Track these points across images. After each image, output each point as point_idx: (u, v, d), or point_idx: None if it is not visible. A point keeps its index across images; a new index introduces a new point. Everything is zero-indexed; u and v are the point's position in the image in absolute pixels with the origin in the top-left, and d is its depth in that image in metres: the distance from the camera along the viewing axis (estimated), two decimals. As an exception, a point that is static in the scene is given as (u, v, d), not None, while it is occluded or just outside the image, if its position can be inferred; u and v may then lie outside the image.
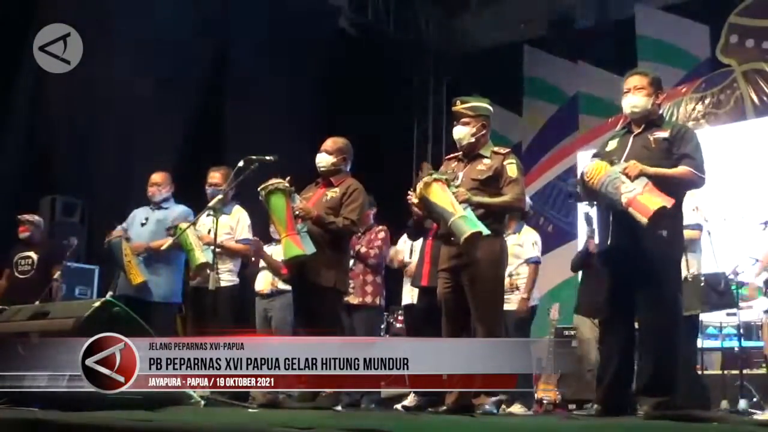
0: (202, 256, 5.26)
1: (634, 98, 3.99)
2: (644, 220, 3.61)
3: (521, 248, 5.84)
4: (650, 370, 3.81)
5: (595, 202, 4.12)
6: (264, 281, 6.21)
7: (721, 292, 5.28)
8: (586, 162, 4.16)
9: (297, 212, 4.51)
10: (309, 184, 4.90)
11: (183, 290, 5.71)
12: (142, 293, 5.48)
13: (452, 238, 4.08)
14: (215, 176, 5.60)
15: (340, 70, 9.26)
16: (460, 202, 4.05)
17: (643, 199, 3.63)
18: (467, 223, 3.97)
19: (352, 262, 5.68)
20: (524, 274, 5.80)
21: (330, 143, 4.82)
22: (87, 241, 7.58)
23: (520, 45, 10.05)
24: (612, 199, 3.74)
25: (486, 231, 4.00)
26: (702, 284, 5.10)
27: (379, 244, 6.01)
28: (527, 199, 5.87)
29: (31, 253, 6.63)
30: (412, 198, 4.24)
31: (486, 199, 4.21)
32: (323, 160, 4.78)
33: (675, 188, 3.83)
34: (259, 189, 4.58)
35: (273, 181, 4.53)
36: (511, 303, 5.62)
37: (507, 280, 5.47)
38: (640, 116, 4.00)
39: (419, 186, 4.11)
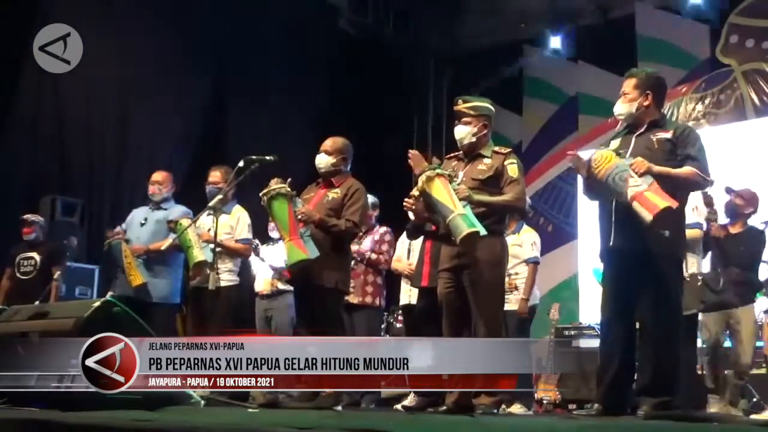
0: (200, 254, 5.25)
1: (619, 105, 4.04)
2: (649, 217, 3.60)
3: (520, 248, 5.84)
4: (650, 370, 3.81)
5: (597, 200, 4.11)
6: (264, 282, 6.20)
7: (719, 292, 5.28)
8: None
9: (299, 216, 4.50)
10: (310, 184, 4.90)
11: (183, 290, 5.71)
12: (142, 294, 5.48)
13: (452, 237, 4.08)
14: (215, 175, 5.60)
15: (340, 70, 9.26)
16: (461, 199, 4.04)
17: (649, 196, 3.62)
18: (465, 222, 3.96)
19: (353, 262, 5.67)
20: (523, 274, 5.80)
21: (329, 143, 4.81)
22: (87, 241, 7.58)
23: (520, 45, 10.05)
24: (617, 191, 3.73)
25: (483, 231, 3.99)
26: (699, 284, 5.11)
27: (386, 248, 6.01)
28: (527, 200, 5.88)
29: (34, 254, 6.63)
30: (413, 192, 4.24)
31: (487, 198, 4.21)
32: (323, 160, 4.78)
33: (680, 188, 3.83)
34: (260, 194, 4.57)
35: (274, 185, 4.52)
36: (511, 303, 5.61)
37: (506, 280, 5.49)
38: (627, 122, 4.04)
39: (421, 179, 4.10)
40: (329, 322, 4.49)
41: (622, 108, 4.02)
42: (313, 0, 9.26)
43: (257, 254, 6.06)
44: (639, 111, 3.98)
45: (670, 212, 3.63)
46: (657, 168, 3.75)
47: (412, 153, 4.39)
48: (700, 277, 5.14)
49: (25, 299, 5.74)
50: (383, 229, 6.10)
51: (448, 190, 4.04)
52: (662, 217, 3.60)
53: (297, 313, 4.90)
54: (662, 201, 3.61)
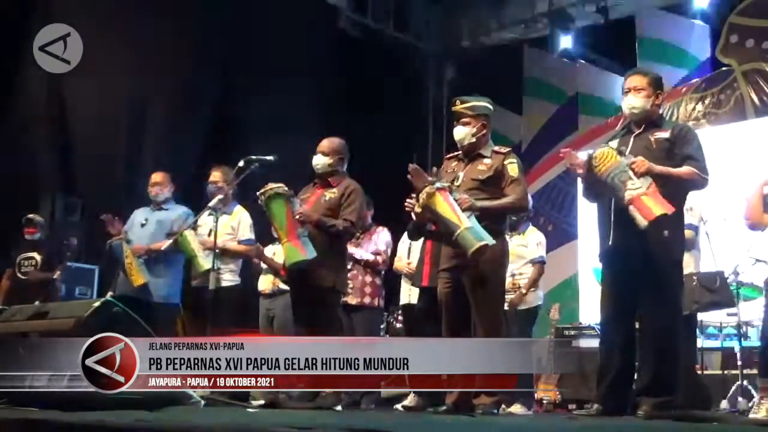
0: (206, 262, 5.23)
1: (634, 99, 3.98)
2: (644, 222, 3.62)
3: (525, 248, 5.82)
4: (651, 370, 3.81)
5: (596, 201, 4.11)
6: (266, 281, 6.21)
7: (715, 290, 5.27)
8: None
9: (297, 217, 4.50)
10: (308, 184, 4.90)
11: (183, 290, 5.71)
12: (143, 294, 5.48)
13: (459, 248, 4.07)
14: (216, 175, 5.60)
15: (340, 70, 9.25)
16: (464, 210, 4.04)
17: (647, 201, 3.63)
18: (474, 236, 3.97)
19: (350, 263, 5.67)
20: (527, 274, 5.78)
21: (325, 144, 4.82)
22: (87, 241, 7.58)
23: (520, 45, 10.04)
24: (615, 191, 3.74)
25: (492, 242, 4.00)
26: (694, 284, 5.10)
27: (383, 248, 6.01)
28: (529, 199, 5.87)
29: (35, 254, 6.65)
30: (415, 208, 4.23)
31: (489, 203, 4.20)
32: (319, 161, 4.78)
33: (679, 188, 3.84)
34: (258, 194, 4.57)
35: (272, 186, 4.52)
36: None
37: (510, 280, 5.49)
38: (639, 117, 3.99)
39: (422, 196, 4.09)
40: (327, 322, 4.50)
41: (637, 102, 3.97)
42: (313, 0, 9.26)
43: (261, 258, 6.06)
44: (652, 107, 3.99)
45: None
46: (658, 168, 3.75)
47: (412, 168, 4.34)
48: (694, 278, 5.14)
49: (26, 299, 5.75)
50: (379, 228, 6.10)
51: (450, 204, 4.04)
52: (658, 223, 3.61)
53: (294, 313, 4.91)
54: (659, 207, 3.62)
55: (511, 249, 5.58)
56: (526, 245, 5.83)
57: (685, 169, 3.83)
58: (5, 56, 7.00)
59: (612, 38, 9.05)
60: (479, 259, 4.10)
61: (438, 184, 4.10)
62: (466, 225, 3.98)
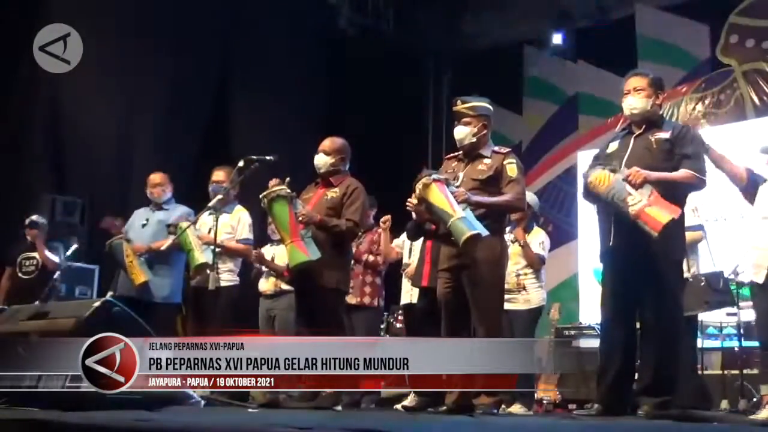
0: (201, 256, 5.26)
1: (634, 100, 3.99)
2: (654, 233, 3.62)
3: (529, 248, 5.81)
4: (651, 371, 3.81)
5: (597, 203, 4.12)
6: (267, 282, 6.21)
7: (721, 291, 5.28)
8: (586, 162, 4.15)
9: (300, 218, 4.50)
10: (310, 183, 4.90)
11: (183, 290, 5.71)
12: (143, 293, 5.48)
13: (452, 238, 4.09)
14: (219, 174, 5.60)
15: (340, 70, 9.25)
16: (459, 203, 4.04)
17: (651, 212, 3.63)
18: (466, 225, 3.97)
19: (351, 262, 5.67)
20: (531, 274, 5.78)
21: (327, 144, 4.82)
22: (87, 241, 7.58)
23: (520, 45, 10.04)
24: (619, 209, 3.74)
25: (485, 232, 4.00)
26: (702, 284, 5.11)
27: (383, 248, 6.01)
28: (536, 199, 5.87)
29: (36, 254, 6.66)
30: (412, 199, 4.25)
31: (485, 199, 4.21)
32: (321, 160, 4.78)
33: (678, 192, 3.83)
34: (260, 197, 4.57)
35: (274, 187, 4.52)
36: (518, 303, 5.62)
37: (514, 280, 5.49)
38: (639, 118, 4.00)
39: (418, 187, 4.11)
40: (330, 323, 4.49)
41: (638, 102, 3.98)
42: (313, 0, 9.26)
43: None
44: (653, 108, 3.99)
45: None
46: (653, 175, 3.74)
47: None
48: (702, 278, 5.14)
49: (26, 299, 5.76)
50: (380, 228, 6.10)
51: (445, 194, 4.04)
52: (667, 229, 3.62)
53: (297, 314, 4.91)
54: (664, 215, 3.63)
55: (515, 249, 5.60)
56: (529, 245, 5.83)
57: (681, 173, 3.82)
58: (5, 56, 7.01)
59: (612, 38, 9.04)
60: (478, 258, 4.11)
61: (435, 176, 4.11)
62: (459, 215, 3.98)
